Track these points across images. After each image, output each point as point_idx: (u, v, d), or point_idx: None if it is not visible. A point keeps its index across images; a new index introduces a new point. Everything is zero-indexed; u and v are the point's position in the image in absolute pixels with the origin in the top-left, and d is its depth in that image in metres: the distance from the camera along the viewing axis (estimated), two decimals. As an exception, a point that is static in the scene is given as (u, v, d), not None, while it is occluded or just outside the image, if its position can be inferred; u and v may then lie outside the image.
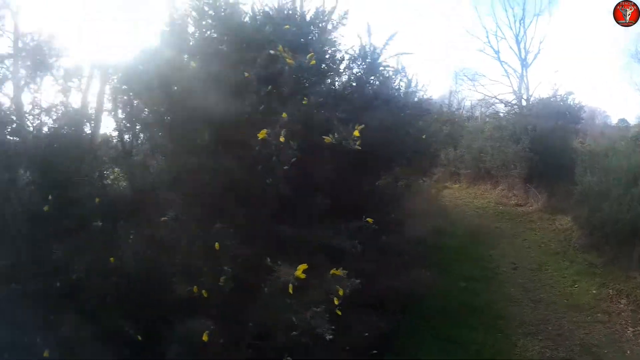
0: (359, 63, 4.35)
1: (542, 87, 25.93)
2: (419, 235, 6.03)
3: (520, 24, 16.52)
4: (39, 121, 3.95)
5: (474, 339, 4.91)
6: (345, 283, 2.65)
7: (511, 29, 16.66)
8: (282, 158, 2.74)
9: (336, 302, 2.59)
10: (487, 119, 15.33)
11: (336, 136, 2.88)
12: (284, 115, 2.69)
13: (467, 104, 18.61)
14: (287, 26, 3.45)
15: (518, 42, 16.59)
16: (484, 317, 5.48)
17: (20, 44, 4.50)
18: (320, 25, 4.03)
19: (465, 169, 12.62)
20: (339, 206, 3.47)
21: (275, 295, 2.64)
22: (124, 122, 4.00)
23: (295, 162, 2.87)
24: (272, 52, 3.02)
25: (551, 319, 5.44)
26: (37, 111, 3.85)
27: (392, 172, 4.81)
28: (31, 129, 3.98)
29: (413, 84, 4.97)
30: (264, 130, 2.69)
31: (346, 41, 4.35)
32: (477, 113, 18.12)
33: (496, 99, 16.90)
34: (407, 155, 4.73)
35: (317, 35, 4.02)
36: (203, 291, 2.89)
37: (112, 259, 3.39)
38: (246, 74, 3.08)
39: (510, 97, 16.65)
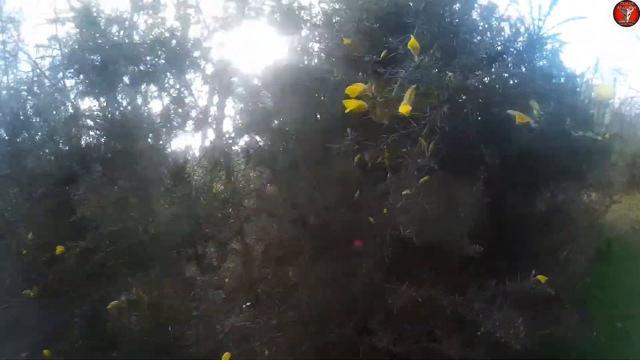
0: (518, 37, 3.15)
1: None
2: (575, 264, 4.71)
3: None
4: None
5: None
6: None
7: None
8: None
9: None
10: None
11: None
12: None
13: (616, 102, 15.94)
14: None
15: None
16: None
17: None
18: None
19: (618, 176, 10.59)
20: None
21: None
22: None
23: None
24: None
25: None
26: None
27: (559, 186, 3.53)
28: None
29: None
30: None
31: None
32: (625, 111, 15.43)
33: (646, 93, 14.16)
34: (583, 161, 3.43)
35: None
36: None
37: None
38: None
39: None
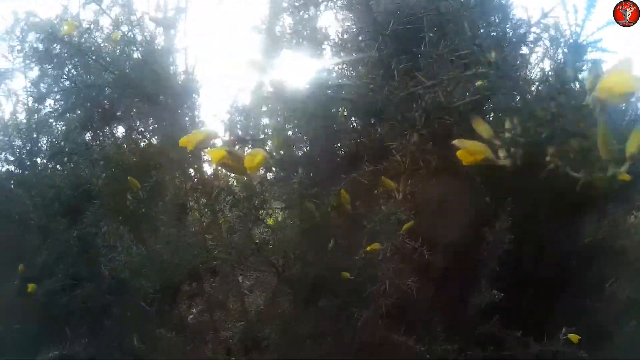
0: (555, 46, 2.74)
1: None
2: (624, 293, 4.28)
3: None
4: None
5: None
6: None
7: None
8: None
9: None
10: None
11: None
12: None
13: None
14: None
15: None
16: None
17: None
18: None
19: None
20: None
21: None
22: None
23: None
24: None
25: None
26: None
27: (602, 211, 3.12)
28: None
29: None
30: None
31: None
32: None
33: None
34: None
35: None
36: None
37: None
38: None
39: None
